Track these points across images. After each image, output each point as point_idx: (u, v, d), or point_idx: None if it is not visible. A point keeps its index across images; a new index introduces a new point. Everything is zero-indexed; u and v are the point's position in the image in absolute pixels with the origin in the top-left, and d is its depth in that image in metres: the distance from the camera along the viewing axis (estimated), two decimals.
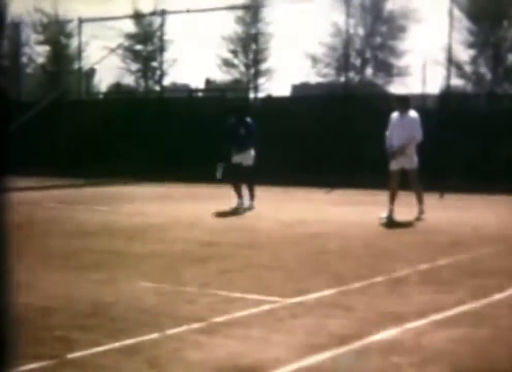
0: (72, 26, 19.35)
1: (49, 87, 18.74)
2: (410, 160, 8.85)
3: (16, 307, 1.13)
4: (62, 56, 20.18)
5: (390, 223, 8.46)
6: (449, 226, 8.16)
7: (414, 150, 8.93)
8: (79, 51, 18.98)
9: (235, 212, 9.65)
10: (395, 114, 8.89)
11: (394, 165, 8.86)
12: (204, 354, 3.44)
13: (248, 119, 10.26)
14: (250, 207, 9.99)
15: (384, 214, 8.76)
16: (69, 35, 19.92)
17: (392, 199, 8.85)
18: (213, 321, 4.01)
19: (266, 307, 4.38)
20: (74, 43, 19.65)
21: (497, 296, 4.71)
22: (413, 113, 8.89)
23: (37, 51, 20.56)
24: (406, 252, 6.50)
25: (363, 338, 3.69)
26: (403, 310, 4.30)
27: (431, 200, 10.37)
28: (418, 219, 8.65)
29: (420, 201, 8.88)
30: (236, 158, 10.13)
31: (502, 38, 15.26)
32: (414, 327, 3.94)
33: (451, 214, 9.39)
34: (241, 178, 10.13)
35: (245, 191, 10.29)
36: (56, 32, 19.88)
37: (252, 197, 10.16)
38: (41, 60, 20.65)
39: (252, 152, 10.18)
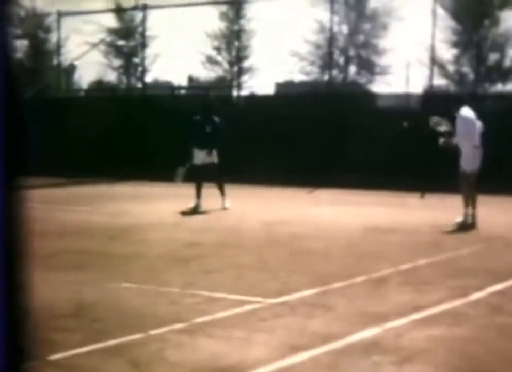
0: (51, 20, 18.98)
1: (27, 84, 18.44)
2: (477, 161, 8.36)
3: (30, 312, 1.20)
4: (40, 51, 19.80)
5: (464, 227, 7.98)
6: (430, 226, 8.23)
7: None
8: (58, 46, 18.60)
9: (193, 212, 9.55)
10: (469, 112, 8.29)
11: (471, 166, 8.28)
12: (187, 354, 3.46)
13: (215, 117, 10.18)
14: (225, 207, 9.93)
15: (459, 218, 8.18)
16: (48, 30, 19.50)
17: (467, 202, 8.21)
18: (195, 322, 4.02)
19: (248, 307, 4.40)
20: (53, 37, 19.28)
21: (476, 296, 4.78)
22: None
23: (15, 46, 20.11)
24: (388, 252, 6.55)
25: (344, 338, 3.73)
26: (384, 309, 4.35)
27: (412, 199, 10.47)
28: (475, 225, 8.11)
29: (475, 204, 8.28)
30: (199, 158, 10.03)
31: (484, 37, 15.39)
32: (395, 326, 3.99)
33: (433, 214, 9.47)
34: (207, 178, 10.00)
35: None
36: (34, 26, 19.49)
37: (223, 194, 10.05)
38: (18, 55, 20.27)
39: (215, 151, 10.04)
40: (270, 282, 5.12)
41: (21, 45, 19.96)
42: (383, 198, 8.99)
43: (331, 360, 3.41)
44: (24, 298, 1.16)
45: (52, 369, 3.27)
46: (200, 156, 10.06)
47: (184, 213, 9.48)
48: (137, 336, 3.72)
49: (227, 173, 10.44)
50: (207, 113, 10.19)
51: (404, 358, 3.43)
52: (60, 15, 17.97)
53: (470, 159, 8.29)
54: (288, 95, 18.19)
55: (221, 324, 4.02)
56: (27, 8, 19.37)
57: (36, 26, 19.49)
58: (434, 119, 8.53)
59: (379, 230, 7.99)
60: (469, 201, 8.25)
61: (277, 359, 3.40)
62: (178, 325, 3.93)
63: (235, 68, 18.19)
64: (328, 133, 14.72)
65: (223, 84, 18.80)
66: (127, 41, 18.93)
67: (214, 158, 10.07)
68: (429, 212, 9.66)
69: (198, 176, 9.98)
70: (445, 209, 9.55)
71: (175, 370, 3.29)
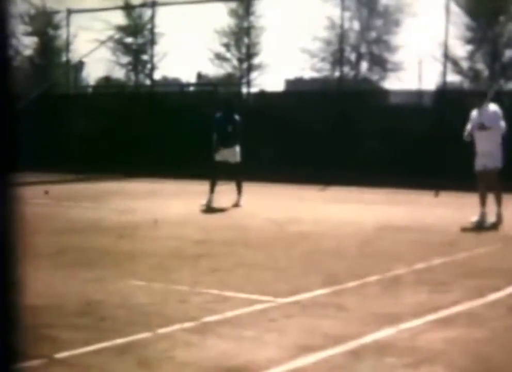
0: (60, 17, 19.04)
1: (37, 80, 18.47)
2: (493, 159, 8.10)
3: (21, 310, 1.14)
4: (49, 48, 19.87)
5: (480, 227, 7.90)
6: (445, 224, 8.10)
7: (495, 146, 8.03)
8: (67, 43, 18.67)
9: (205, 207, 9.53)
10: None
11: (479, 165, 8.15)
12: (196, 354, 3.39)
13: (236, 116, 10.18)
14: (238, 205, 9.89)
15: (475, 217, 8.07)
16: (57, 27, 19.61)
17: (483, 202, 8.12)
18: (205, 321, 3.95)
19: (258, 306, 4.32)
20: (62, 35, 19.36)
21: (493, 297, 4.67)
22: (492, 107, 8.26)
23: (25, 43, 20.24)
24: (402, 251, 6.44)
25: (357, 338, 3.64)
26: (398, 310, 4.25)
27: (426, 197, 10.35)
28: (496, 225, 8.01)
29: (499, 203, 8.18)
30: (221, 156, 10.01)
31: (499, 34, 15.20)
32: (409, 327, 3.89)
33: (448, 212, 9.35)
34: (230, 175, 10.03)
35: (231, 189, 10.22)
36: (44, 23, 19.55)
37: (239, 192, 10.04)
38: (28, 52, 20.35)
39: (238, 149, 10.07)
40: (281, 281, 5.03)
41: (31, 42, 20.06)
42: (396, 196, 8.89)
43: (344, 362, 3.33)
44: (17, 296, 1.11)
45: (59, 367, 3.23)
46: (223, 153, 10.02)
47: (193, 210, 9.42)
48: (145, 335, 3.65)
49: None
50: (229, 112, 10.19)
51: (419, 360, 3.34)
52: (69, 12, 18.02)
53: (499, 154, 8.10)
54: (299, 92, 18.09)
55: (230, 323, 3.94)
56: (37, 6, 19.47)
57: (46, 23, 19.56)
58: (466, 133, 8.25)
59: (392, 228, 7.88)
60: (485, 200, 8.13)
61: (288, 359, 3.32)
62: (187, 324, 3.86)
63: (245, 65, 18.12)
64: (339, 130, 14.62)
65: (232, 81, 18.74)
66: (136, 38, 18.94)
67: (238, 157, 10.05)
68: (443, 211, 9.55)
69: (215, 172, 9.94)
70: (460, 207, 9.43)
71: (183, 370, 3.22)
